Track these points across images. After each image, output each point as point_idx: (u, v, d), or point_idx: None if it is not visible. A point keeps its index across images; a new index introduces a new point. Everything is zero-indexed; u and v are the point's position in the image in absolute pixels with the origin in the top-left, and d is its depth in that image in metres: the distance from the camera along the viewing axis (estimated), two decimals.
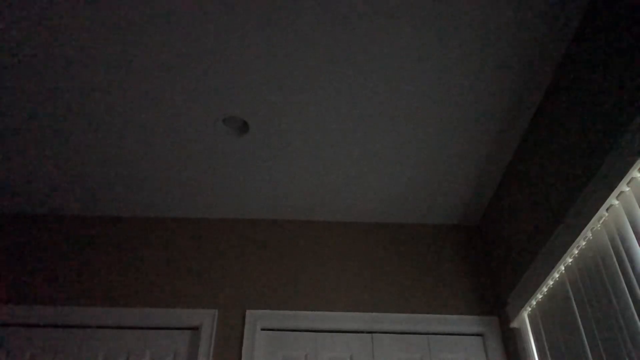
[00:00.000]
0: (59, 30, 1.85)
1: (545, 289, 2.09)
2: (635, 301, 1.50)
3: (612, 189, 1.55)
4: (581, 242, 1.80)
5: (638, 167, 1.46)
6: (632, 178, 1.51)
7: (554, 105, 1.98)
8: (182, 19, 1.80)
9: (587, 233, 1.76)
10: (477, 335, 2.56)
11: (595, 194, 1.64)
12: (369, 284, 2.69)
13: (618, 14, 1.55)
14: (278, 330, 2.56)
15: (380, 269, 2.75)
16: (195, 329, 2.57)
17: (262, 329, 2.55)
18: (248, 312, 2.57)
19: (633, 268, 1.52)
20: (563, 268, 1.95)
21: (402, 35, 1.85)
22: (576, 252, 1.85)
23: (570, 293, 1.89)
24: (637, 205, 1.51)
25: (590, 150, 1.71)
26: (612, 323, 1.61)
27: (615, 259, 1.61)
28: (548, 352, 2.04)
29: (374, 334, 2.55)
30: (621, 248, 1.57)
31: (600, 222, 1.70)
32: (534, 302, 2.18)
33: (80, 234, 2.86)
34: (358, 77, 2.02)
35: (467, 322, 2.55)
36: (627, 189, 1.55)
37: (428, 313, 2.59)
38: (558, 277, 1.99)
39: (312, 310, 2.59)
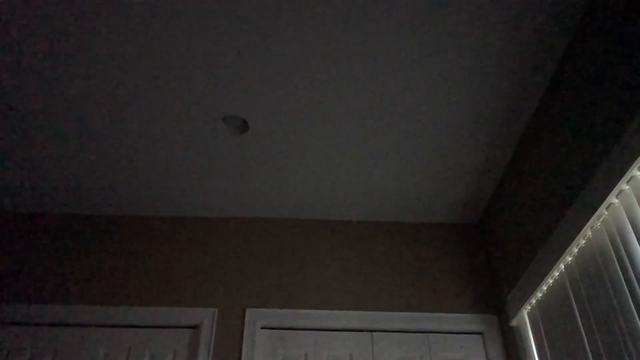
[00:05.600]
0: (59, 30, 1.84)
1: (545, 288, 2.09)
2: (635, 300, 1.50)
3: (612, 188, 1.55)
4: (581, 240, 1.80)
5: (638, 166, 1.46)
6: (632, 177, 1.51)
7: (554, 104, 1.98)
8: (182, 19, 1.80)
9: (587, 232, 1.76)
10: (477, 333, 2.56)
11: (595, 193, 1.64)
12: (368, 282, 2.69)
13: (618, 14, 1.55)
14: (278, 328, 2.56)
15: (380, 267, 2.75)
16: (195, 327, 2.57)
17: (262, 328, 2.56)
18: (248, 311, 2.57)
19: (633, 267, 1.52)
20: (563, 267, 1.95)
21: (402, 35, 1.84)
22: (576, 250, 1.85)
23: (570, 292, 1.89)
24: (637, 204, 1.51)
25: (590, 150, 1.71)
26: (612, 322, 1.61)
27: (615, 258, 1.61)
28: (548, 351, 2.05)
29: (373, 333, 2.55)
30: (621, 247, 1.58)
31: (600, 220, 1.70)
32: (533, 301, 2.18)
33: (80, 233, 2.86)
34: (357, 76, 2.02)
35: (467, 321, 2.56)
36: (627, 187, 1.55)
37: (428, 312, 2.60)
38: (558, 275, 1.99)
39: (312, 309, 2.60)
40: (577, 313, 1.83)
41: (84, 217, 2.92)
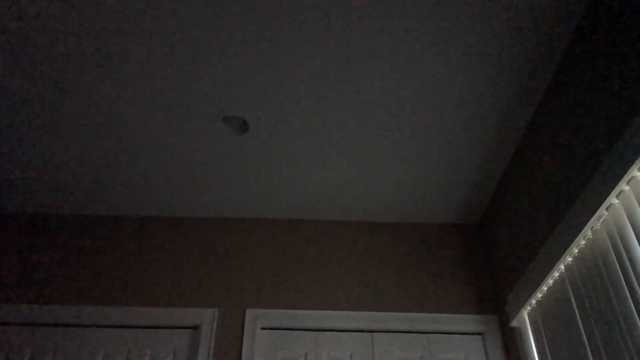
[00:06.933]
0: (59, 30, 1.85)
1: (545, 288, 2.09)
2: (635, 300, 1.50)
3: (611, 188, 1.55)
4: (581, 241, 1.80)
5: (638, 166, 1.46)
6: (632, 177, 1.51)
7: (554, 105, 1.98)
8: (182, 18, 1.80)
9: (587, 232, 1.76)
10: (477, 334, 2.56)
11: (595, 193, 1.64)
12: (369, 283, 2.69)
13: (618, 14, 1.55)
14: (278, 329, 2.56)
15: (380, 268, 2.75)
16: (195, 328, 2.57)
17: (262, 328, 2.55)
18: (248, 311, 2.57)
19: (633, 267, 1.52)
20: (563, 267, 1.95)
21: (402, 35, 1.85)
22: (576, 251, 1.85)
23: (570, 292, 1.89)
24: (636, 205, 1.51)
25: (590, 150, 1.71)
26: (612, 322, 1.61)
27: (615, 258, 1.61)
28: (548, 351, 2.05)
29: (374, 333, 2.55)
30: (621, 247, 1.58)
31: (600, 221, 1.70)
32: (534, 301, 2.18)
33: (80, 234, 2.86)
34: (358, 76, 2.02)
35: (467, 321, 2.56)
36: (627, 188, 1.55)
37: (428, 312, 2.59)
38: (558, 276, 1.99)
39: (312, 309, 2.60)
40: (577, 313, 1.83)
41: (84, 217, 2.92)
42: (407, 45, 1.89)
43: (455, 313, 2.59)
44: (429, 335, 2.55)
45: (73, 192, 2.74)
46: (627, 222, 1.55)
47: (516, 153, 2.36)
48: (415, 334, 2.55)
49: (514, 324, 2.34)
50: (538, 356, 2.14)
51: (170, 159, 2.48)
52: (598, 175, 1.62)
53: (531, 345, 2.20)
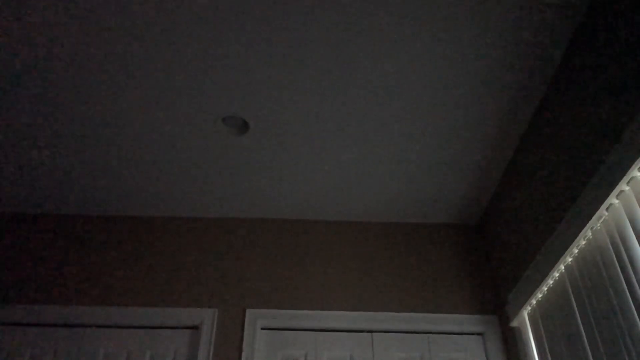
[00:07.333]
0: (59, 30, 1.84)
1: (545, 288, 2.09)
2: (635, 300, 1.50)
3: (612, 188, 1.55)
4: (581, 241, 1.80)
5: (638, 167, 1.46)
6: (632, 177, 1.51)
7: (554, 105, 1.98)
8: (182, 18, 1.80)
9: (587, 232, 1.76)
10: (477, 334, 2.56)
11: (595, 193, 1.64)
12: (369, 283, 2.69)
13: (618, 14, 1.55)
14: (278, 329, 2.56)
15: (380, 268, 2.75)
16: (195, 328, 2.57)
17: (262, 328, 2.55)
18: (248, 311, 2.57)
19: (633, 267, 1.52)
20: (563, 267, 1.95)
21: (402, 35, 1.84)
22: (576, 251, 1.85)
23: (570, 292, 1.89)
24: (637, 205, 1.51)
25: (590, 150, 1.71)
26: (612, 322, 1.61)
27: (615, 258, 1.61)
28: (548, 351, 2.05)
29: (373, 333, 2.55)
30: (621, 247, 1.57)
31: (600, 221, 1.70)
32: (534, 302, 2.18)
33: (80, 234, 2.86)
34: (358, 76, 2.02)
35: (467, 321, 2.56)
36: (627, 188, 1.55)
37: (428, 312, 2.59)
38: (558, 276, 1.99)
39: (312, 310, 2.60)
40: (577, 313, 1.83)
41: (84, 217, 2.92)
42: (407, 46, 1.89)
43: (455, 313, 2.59)
44: (429, 335, 2.55)
45: (73, 192, 2.74)
46: (627, 222, 1.55)
47: (516, 153, 2.36)
48: (415, 334, 2.55)
49: (514, 324, 2.34)
50: (538, 356, 2.14)
51: (170, 158, 2.48)
52: (598, 176, 1.62)
53: (531, 345, 2.20)
